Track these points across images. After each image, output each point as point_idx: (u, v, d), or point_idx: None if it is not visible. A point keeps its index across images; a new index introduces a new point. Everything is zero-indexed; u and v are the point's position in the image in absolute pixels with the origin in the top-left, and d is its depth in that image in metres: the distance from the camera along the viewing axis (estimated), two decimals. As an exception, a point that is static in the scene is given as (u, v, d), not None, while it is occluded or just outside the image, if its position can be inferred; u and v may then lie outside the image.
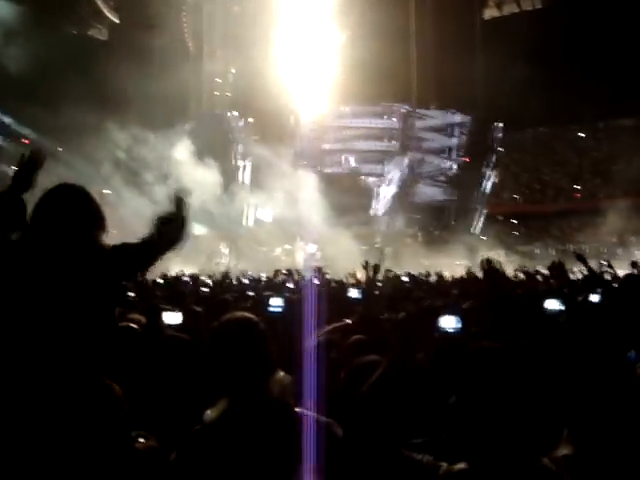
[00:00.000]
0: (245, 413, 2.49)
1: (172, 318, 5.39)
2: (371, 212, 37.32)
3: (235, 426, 2.48)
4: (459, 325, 4.41)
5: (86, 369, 2.91)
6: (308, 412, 2.56)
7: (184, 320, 5.45)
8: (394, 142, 37.49)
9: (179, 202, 3.27)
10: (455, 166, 37.79)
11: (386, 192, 37.57)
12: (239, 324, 2.62)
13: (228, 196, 34.66)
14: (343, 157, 38.45)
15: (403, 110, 36.75)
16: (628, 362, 4.23)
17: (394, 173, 37.42)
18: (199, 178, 31.78)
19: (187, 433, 2.55)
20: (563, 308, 5.61)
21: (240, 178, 37.11)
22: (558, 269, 7.72)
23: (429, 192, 37.95)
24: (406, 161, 37.18)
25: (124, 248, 3.15)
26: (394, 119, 37.32)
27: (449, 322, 4.38)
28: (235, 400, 2.52)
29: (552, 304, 5.73)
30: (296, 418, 2.51)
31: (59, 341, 2.91)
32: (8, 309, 2.95)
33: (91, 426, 2.67)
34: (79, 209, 3.15)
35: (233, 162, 37.02)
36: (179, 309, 5.61)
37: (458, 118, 36.59)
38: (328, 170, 37.00)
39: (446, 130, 37.20)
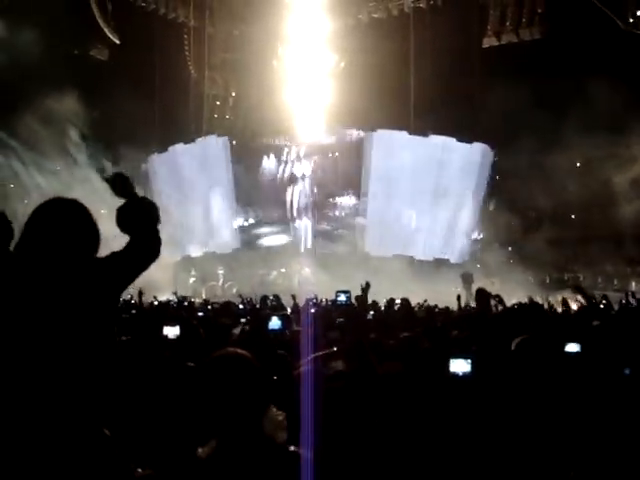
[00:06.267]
0: (237, 451, 2.45)
1: (170, 331, 5.36)
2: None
3: (227, 464, 2.44)
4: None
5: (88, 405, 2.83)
6: (301, 450, 2.53)
7: (182, 333, 5.41)
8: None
9: (119, 183, 3.19)
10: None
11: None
12: (232, 361, 2.56)
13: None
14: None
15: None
16: (624, 377, 4.57)
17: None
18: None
19: (178, 470, 2.50)
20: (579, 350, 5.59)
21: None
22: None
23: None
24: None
25: (114, 257, 3.03)
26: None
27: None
28: (227, 438, 2.48)
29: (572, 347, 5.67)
30: (289, 457, 2.48)
31: (57, 370, 2.78)
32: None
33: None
34: (72, 225, 3.03)
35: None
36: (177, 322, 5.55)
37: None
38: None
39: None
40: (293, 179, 36.14)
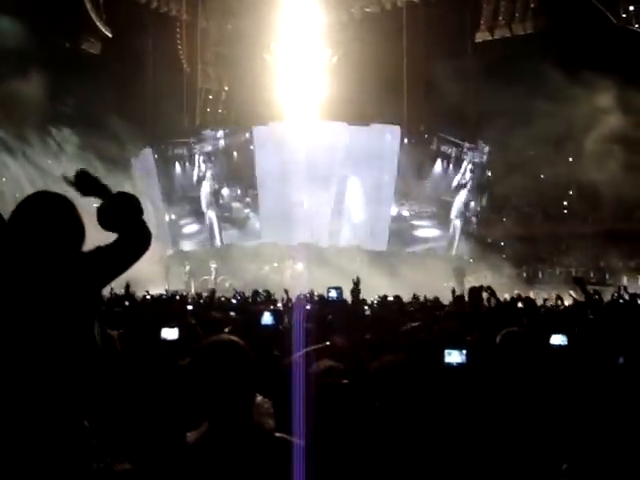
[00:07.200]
0: (227, 436, 2.46)
1: (169, 334, 5.27)
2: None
3: (215, 450, 2.45)
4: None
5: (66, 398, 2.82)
6: (289, 437, 2.56)
7: (180, 335, 5.34)
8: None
9: (82, 181, 3.12)
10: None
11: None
12: (225, 347, 2.57)
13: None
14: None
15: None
16: (618, 366, 5.05)
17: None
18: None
19: (167, 455, 2.52)
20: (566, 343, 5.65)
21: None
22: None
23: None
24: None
25: (99, 252, 2.98)
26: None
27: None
28: (216, 423, 2.49)
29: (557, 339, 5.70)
30: (277, 443, 2.50)
31: (35, 360, 2.77)
32: None
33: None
34: (57, 218, 3.00)
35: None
36: (175, 324, 5.47)
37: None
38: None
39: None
40: (461, 186, 37.10)
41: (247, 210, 35.80)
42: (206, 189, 36.37)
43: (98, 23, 37.29)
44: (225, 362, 2.51)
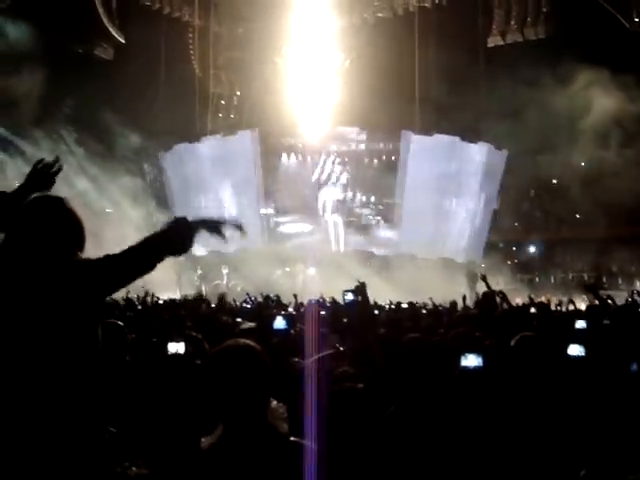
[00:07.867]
0: (241, 441, 2.47)
1: (175, 348, 5.34)
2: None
3: (230, 454, 2.46)
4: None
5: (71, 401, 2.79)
6: (303, 441, 2.57)
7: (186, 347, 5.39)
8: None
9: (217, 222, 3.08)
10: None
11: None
12: (242, 351, 2.58)
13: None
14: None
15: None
16: (631, 373, 4.94)
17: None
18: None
19: (183, 460, 2.52)
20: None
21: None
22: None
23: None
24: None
25: (103, 262, 2.90)
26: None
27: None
28: (232, 428, 2.50)
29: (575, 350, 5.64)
30: (291, 447, 2.51)
31: (36, 368, 2.75)
32: None
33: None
34: (55, 222, 2.97)
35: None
36: (181, 336, 5.52)
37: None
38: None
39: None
40: None
41: (378, 218, 34.98)
42: (335, 190, 35.41)
43: (111, 29, 37.49)
44: (241, 366, 2.52)
